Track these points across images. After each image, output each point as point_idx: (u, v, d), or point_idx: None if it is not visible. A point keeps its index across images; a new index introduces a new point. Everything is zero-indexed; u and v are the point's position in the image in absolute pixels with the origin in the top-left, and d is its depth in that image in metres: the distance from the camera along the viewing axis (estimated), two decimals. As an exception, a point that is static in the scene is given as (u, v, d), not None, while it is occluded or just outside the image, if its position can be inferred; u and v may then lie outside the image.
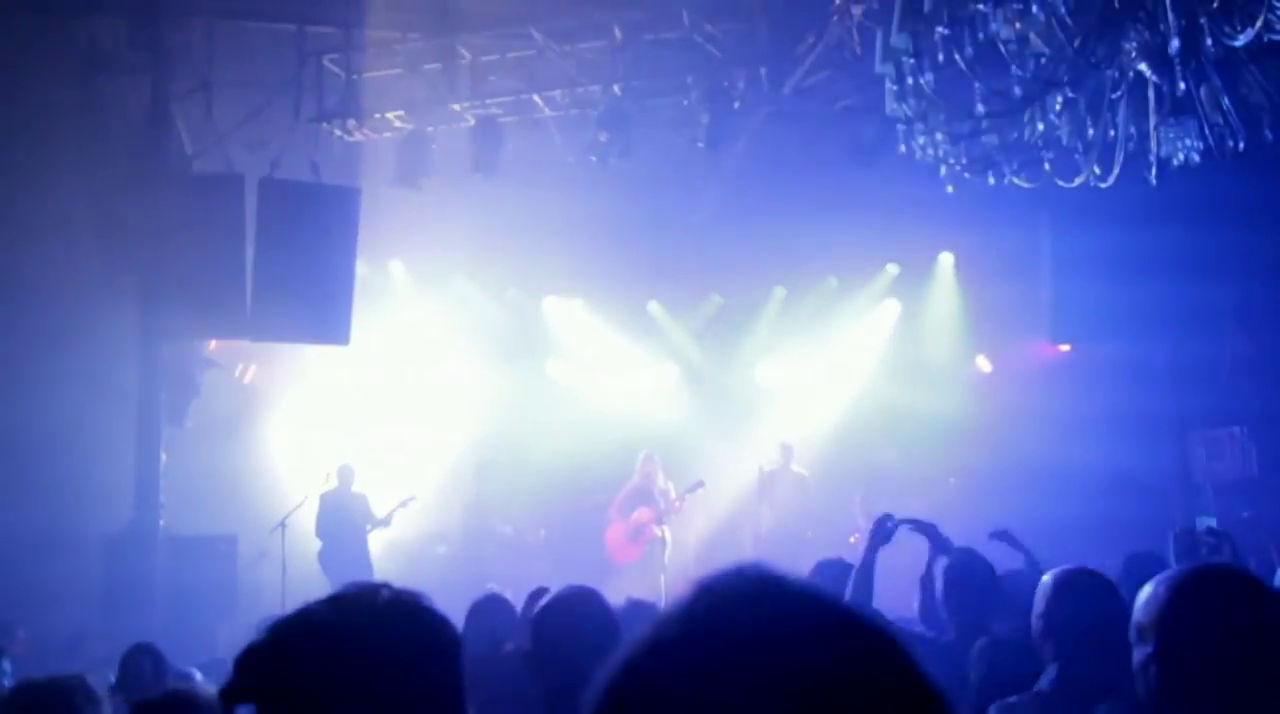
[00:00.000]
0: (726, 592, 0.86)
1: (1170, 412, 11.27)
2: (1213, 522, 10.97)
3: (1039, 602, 3.13)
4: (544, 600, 3.01)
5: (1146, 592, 2.23)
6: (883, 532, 4.67)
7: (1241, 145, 5.72)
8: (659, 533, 11.59)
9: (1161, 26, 4.75)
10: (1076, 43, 4.78)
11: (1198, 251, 10.25)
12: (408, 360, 12.81)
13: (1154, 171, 5.77)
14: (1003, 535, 5.29)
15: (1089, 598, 3.08)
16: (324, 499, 10.65)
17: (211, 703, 2.61)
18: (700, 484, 11.71)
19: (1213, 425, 11.16)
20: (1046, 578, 3.26)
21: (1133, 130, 5.74)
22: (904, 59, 5.08)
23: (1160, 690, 2.13)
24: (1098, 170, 6.07)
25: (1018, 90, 5.22)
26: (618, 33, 9.21)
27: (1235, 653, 2.06)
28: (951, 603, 4.42)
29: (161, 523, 9.58)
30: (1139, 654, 2.19)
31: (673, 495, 11.87)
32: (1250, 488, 10.64)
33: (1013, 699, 3.04)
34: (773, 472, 11.93)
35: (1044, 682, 3.01)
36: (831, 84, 9.46)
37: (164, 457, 9.52)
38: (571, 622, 2.79)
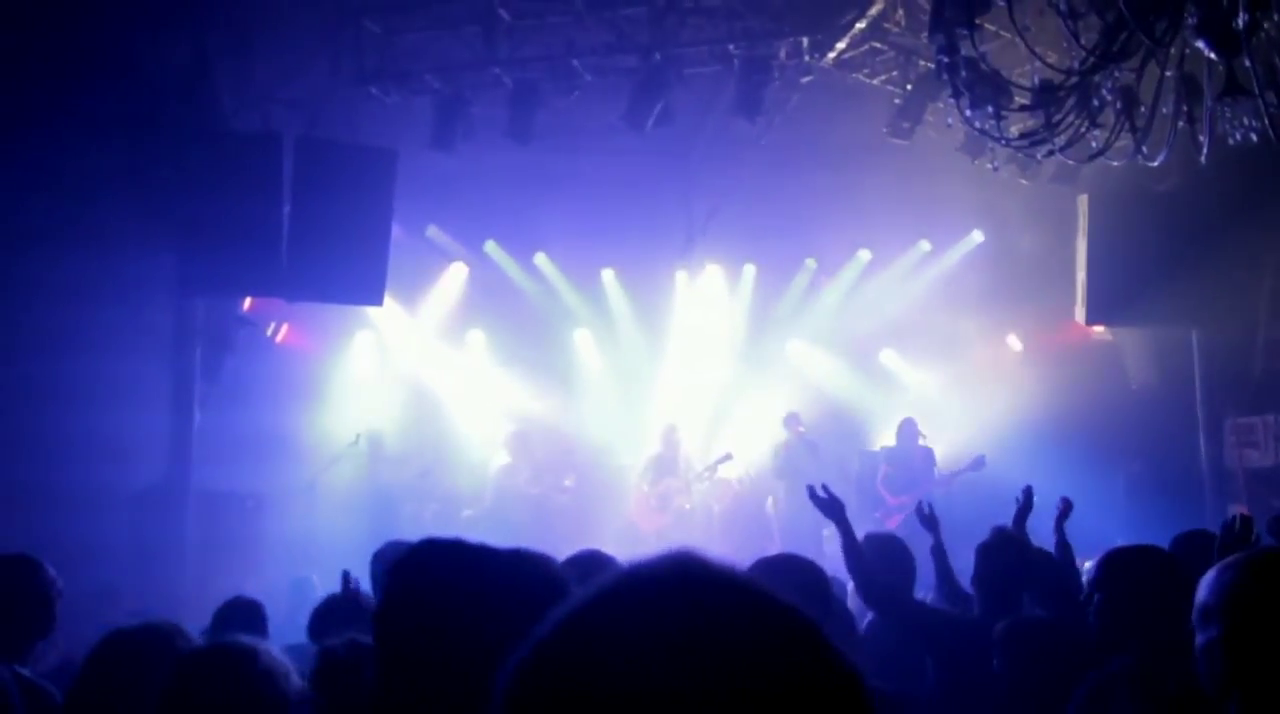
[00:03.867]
0: (651, 580, 0.85)
1: (1203, 397, 11.17)
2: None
3: (1095, 586, 3.11)
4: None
5: (1212, 574, 2.19)
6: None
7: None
8: (684, 502, 11.63)
9: (1225, 2, 4.66)
10: (1136, 17, 4.69)
11: (1232, 233, 10.12)
12: (438, 325, 12.86)
13: (1204, 153, 5.68)
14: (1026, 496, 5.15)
15: (1157, 574, 3.05)
16: (359, 465, 10.76)
17: (263, 657, 2.64)
18: (728, 456, 11.76)
19: (1245, 412, 11.05)
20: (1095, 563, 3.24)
21: (1184, 109, 5.66)
22: (956, 30, 5.00)
23: (1227, 675, 2.09)
24: (1146, 150, 5.99)
25: (1075, 65, 5.12)
26: (659, -1, 9.13)
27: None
28: (981, 581, 4.39)
29: (193, 479, 9.65)
30: (1203, 638, 2.15)
31: (696, 465, 11.90)
32: (1281, 476, 10.56)
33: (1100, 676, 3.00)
34: (785, 443, 11.92)
35: (1119, 660, 2.98)
36: (873, 57, 9.36)
37: (198, 415, 9.59)
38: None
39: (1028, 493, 4.88)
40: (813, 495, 4.70)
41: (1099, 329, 11.85)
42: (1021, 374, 12.59)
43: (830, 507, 4.60)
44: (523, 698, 0.82)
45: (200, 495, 9.72)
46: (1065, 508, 5.16)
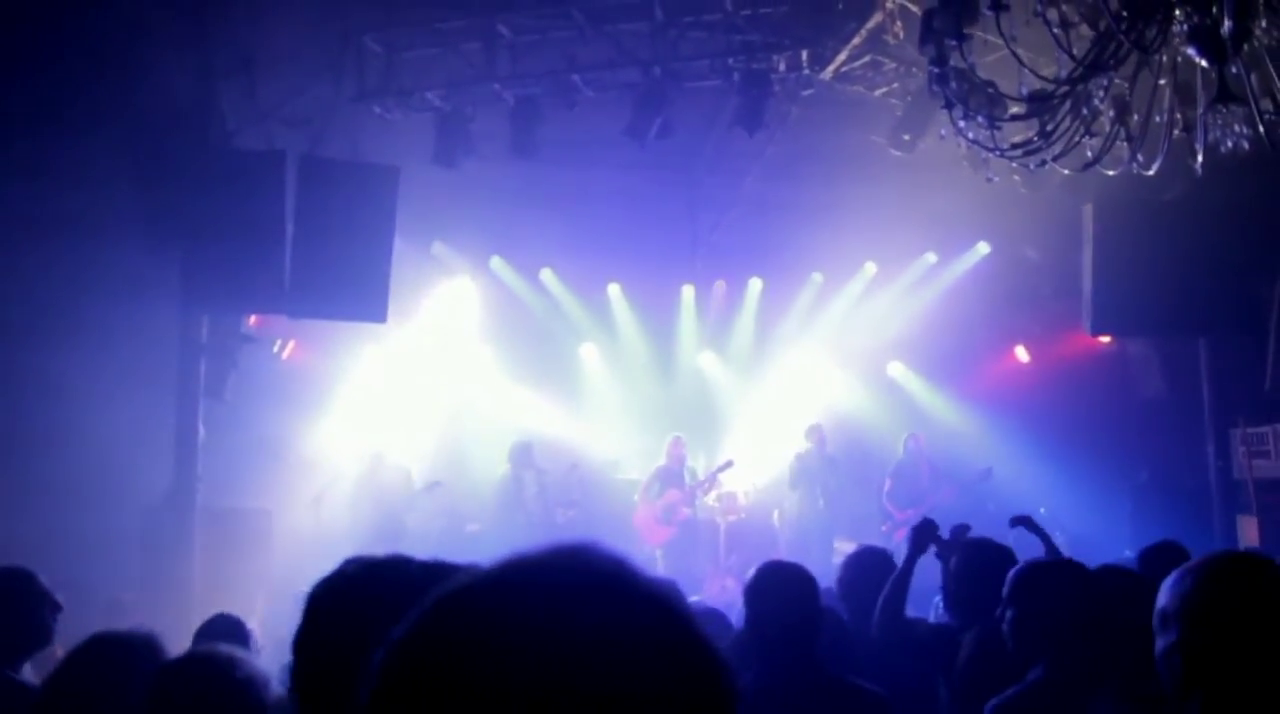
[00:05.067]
0: (531, 568, 0.85)
1: (1211, 407, 11.09)
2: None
3: (1006, 596, 3.12)
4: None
5: (1171, 579, 2.18)
6: (921, 540, 4.62)
7: (1291, 134, 5.60)
8: (689, 514, 11.63)
9: (1214, 9, 4.65)
10: (1124, 25, 4.68)
11: (1241, 241, 10.06)
12: (444, 340, 12.90)
13: (1199, 160, 5.66)
14: (1023, 521, 5.23)
15: (1066, 589, 3.06)
16: (360, 480, 10.77)
17: (242, 666, 2.66)
18: (730, 463, 11.78)
19: (1255, 422, 10.96)
20: (1011, 574, 3.25)
21: (1179, 117, 5.64)
22: (946, 41, 5.01)
23: (1184, 680, 2.08)
24: (1141, 159, 5.97)
25: (1062, 73, 5.12)
26: (658, 14, 9.17)
27: (1264, 644, 2.02)
28: (962, 591, 4.38)
29: (199, 497, 9.69)
30: (1161, 642, 2.15)
31: (701, 476, 11.90)
32: (1292, 486, 10.46)
33: (1009, 693, 3.02)
34: (803, 455, 11.90)
35: (1031, 675, 2.99)
36: (872, 69, 9.37)
37: (202, 431, 9.63)
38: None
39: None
40: (921, 528, 4.64)
41: (1106, 339, 11.79)
42: (1029, 385, 12.56)
43: (920, 539, 4.58)
44: (392, 677, 0.82)
45: (207, 511, 9.75)
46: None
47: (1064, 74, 5.20)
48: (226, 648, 2.89)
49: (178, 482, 9.50)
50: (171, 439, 9.53)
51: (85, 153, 8.67)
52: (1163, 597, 2.18)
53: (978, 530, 5.48)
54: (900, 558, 4.96)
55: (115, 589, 8.91)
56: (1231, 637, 2.04)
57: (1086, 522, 11.08)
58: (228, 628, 4.16)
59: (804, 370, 13.60)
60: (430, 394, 12.67)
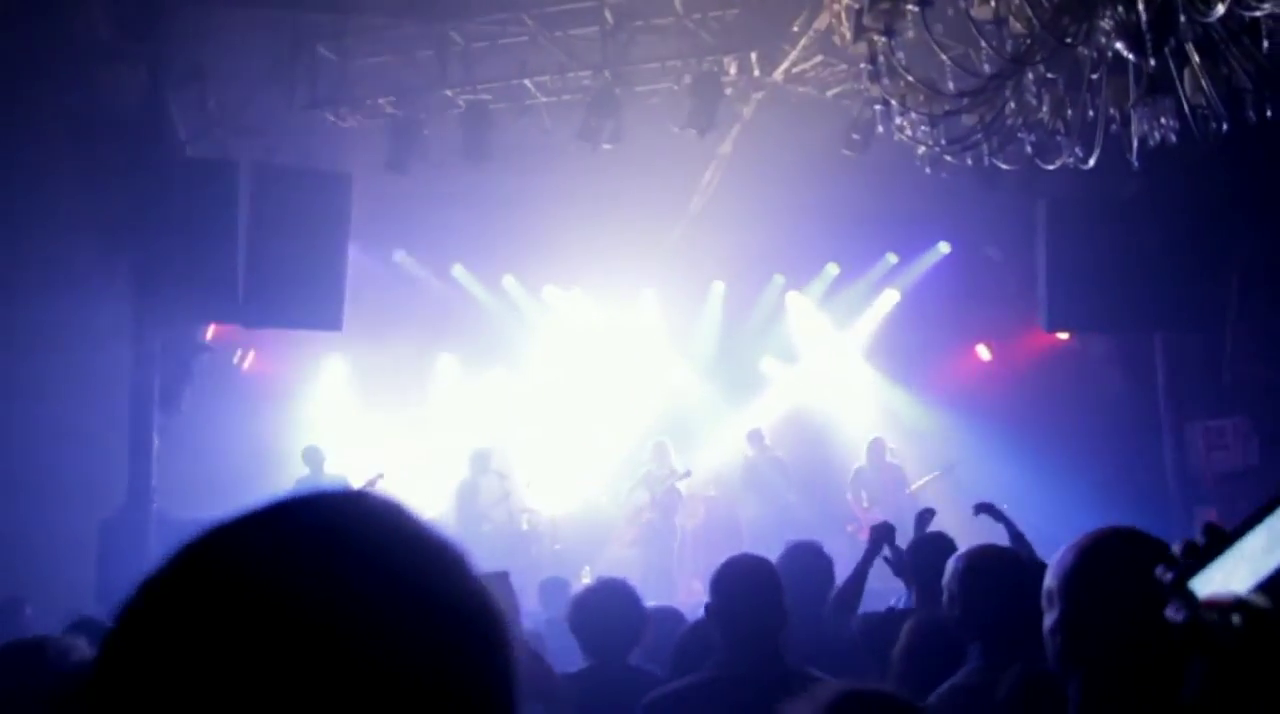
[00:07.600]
0: (300, 511, 0.83)
1: (1166, 401, 11.18)
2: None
3: (950, 583, 3.17)
4: None
5: (1056, 556, 2.21)
6: (879, 541, 4.79)
7: (1225, 127, 5.66)
8: (653, 518, 11.63)
9: (1139, 3, 4.70)
10: (1048, 18, 4.72)
11: (1198, 238, 10.16)
12: (408, 348, 12.85)
13: (1134, 153, 5.70)
14: (986, 509, 5.40)
15: (1000, 576, 3.11)
16: (298, 486, 10.67)
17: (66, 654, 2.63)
18: (687, 472, 11.79)
19: (1214, 415, 11.05)
20: (952, 560, 3.30)
21: (1113, 112, 5.68)
22: (876, 38, 5.04)
23: (1063, 656, 2.10)
24: (1079, 152, 6.01)
25: (987, 68, 5.15)
26: (609, 18, 9.21)
27: (1135, 620, 2.03)
28: (916, 581, 4.52)
29: (155, 507, 9.61)
30: (1047, 620, 2.17)
31: (679, 482, 11.93)
32: (1250, 478, 10.54)
33: (954, 681, 3.05)
34: (750, 459, 11.98)
35: (969, 664, 3.02)
36: (822, 70, 9.42)
37: (156, 441, 9.55)
38: None
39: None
40: (881, 529, 4.97)
41: (1065, 336, 11.87)
42: (991, 383, 12.63)
43: (879, 539, 4.96)
44: (136, 618, 0.78)
45: (163, 523, 9.66)
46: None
47: (989, 69, 5.24)
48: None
49: (132, 492, 9.43)
50: (125, 452, 9.47)
51: (36, 161, 8.63)
52: (1048, 575, 2.20)
53: (938, 525, 5.57)
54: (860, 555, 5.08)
55: (73, 604, 8.80)
56: (1106, 613, 2.05)
57: (1048, 516, 11.11)
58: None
59: (768, 372, 13.64)
60: (394, 401, 12.62)
